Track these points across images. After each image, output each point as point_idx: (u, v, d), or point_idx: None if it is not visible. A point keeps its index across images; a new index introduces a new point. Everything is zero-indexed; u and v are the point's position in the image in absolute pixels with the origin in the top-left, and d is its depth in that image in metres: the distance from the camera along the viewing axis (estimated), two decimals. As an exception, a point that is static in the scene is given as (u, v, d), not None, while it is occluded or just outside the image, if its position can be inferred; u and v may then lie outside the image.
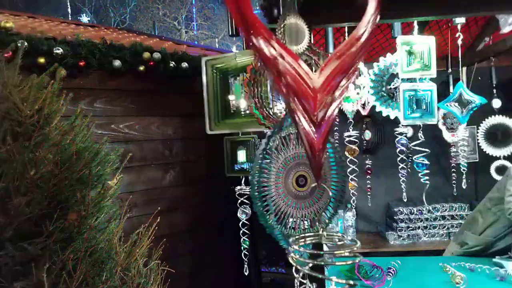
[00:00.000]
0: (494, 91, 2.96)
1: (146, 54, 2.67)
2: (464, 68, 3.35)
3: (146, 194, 2.64)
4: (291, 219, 1.05)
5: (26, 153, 1.48)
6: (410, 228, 3.41)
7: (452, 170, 2.86)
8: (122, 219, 1.84)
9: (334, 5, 1.31)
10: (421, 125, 1.89)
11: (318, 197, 1.06)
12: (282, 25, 1.15)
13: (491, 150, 2.79)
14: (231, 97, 2.47)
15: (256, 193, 1.26)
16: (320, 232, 0.78)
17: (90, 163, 1.68)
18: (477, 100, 2.02)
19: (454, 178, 2.81)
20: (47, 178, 1.51)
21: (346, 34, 2.30)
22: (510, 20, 2.30)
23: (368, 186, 2.91)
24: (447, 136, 2.82)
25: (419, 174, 2.06)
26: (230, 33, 1.79)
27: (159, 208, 1.93)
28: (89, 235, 1.54)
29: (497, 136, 2.83)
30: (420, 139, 1.96)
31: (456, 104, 2.00)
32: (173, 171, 2.87)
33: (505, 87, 3.28)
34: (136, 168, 2.63)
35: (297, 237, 0.77)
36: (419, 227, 3.42)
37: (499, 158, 2.72)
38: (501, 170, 2.63)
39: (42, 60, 2.18)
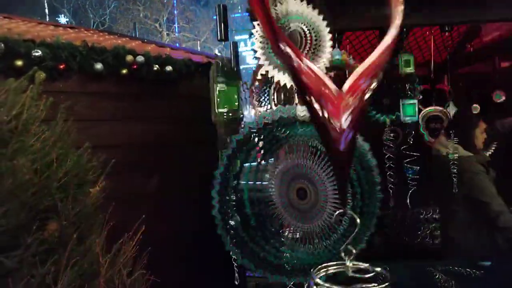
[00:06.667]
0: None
1: (129, 57, 2.60)
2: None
3: (129, 201, 2.56)
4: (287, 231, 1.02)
5: (3, 161, 1.41)
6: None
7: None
8: (105, 228, 1.78)
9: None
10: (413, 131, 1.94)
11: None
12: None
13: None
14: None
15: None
16: (347, 263, 0.70)
17: (71, 170, 1.61)
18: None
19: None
20: (25, 187, 1.44)
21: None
22: None
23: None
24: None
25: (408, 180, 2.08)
26: (218, 38, 1.77)
27: (143, 216, 1.87)
28: (71, 246, 1.47)
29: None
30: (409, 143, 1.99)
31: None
32: (157, 177, 2.80)
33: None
34: (118, 175, 2.54)
35: (318, 267, 0.71)
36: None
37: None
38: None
39: (19, 63, 2.09)
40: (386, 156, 2.19)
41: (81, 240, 1.60)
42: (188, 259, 2.89)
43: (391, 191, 2.31)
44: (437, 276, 2.04)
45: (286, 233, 1.47)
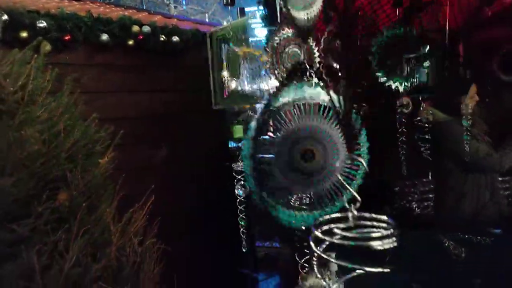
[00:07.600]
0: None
1: (135, 28, 2.56)
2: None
3: (137, 172, 2.58)
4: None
5: (10, 132, 1.41)
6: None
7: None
8: (115, 198, 1.80)
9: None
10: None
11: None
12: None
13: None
14: (224, 73, 2.37)
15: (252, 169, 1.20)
16: (350, 215, 0.64)
17: (79, 141, 1.62)
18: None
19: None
20: (34, 157, 1.45)
21: None
22: None
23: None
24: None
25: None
26: (225, 3, 1.71)
27: (153, 186, 1.89)
28: (81, 215, 1.50)
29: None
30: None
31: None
32: (164, 148, 2.81)
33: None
34: (126, 146, 2.55)
35: (320, 220, 0.67)
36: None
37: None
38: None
39: (24, 34, 2.07)
40: (399, 127, 2.14)
41: (92, 210, 1.62)
42: (196, 228, 2.93)
43: (403, 161, 2.27)
44: (446, 244, 2.03)
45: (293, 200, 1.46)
